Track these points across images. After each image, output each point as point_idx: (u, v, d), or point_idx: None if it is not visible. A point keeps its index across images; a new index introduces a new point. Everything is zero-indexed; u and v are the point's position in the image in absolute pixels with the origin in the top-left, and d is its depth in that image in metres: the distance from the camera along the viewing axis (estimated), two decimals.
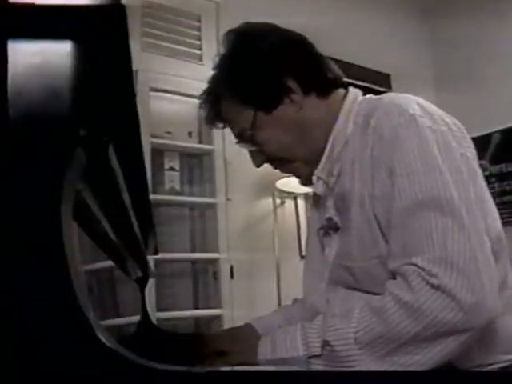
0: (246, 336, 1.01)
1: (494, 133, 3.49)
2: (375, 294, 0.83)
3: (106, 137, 0.57)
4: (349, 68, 2.97)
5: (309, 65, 0.98)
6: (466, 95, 3.42)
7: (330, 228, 0.97)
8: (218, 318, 2.54)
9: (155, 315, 2.17)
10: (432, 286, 0.73)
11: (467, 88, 3.51)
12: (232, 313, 2.48)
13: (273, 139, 0.97)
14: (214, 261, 2.62)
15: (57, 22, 0.49)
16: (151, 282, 1.77)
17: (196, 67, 2.71)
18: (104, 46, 0.50)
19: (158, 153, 2.60)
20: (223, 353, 0.86)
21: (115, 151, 0.61)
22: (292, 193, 2.91)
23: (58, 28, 0.49)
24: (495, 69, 3.47)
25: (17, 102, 0.48)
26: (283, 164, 1.02)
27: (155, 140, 2.53)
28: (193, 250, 2.69)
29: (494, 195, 3.43)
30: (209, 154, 2.73)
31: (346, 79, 1.04)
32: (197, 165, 2.78)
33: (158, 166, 2.60)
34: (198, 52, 2.80)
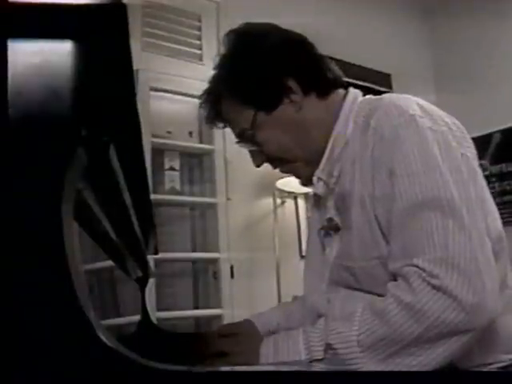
0: (248, 337, 1.01)
1: (495, 133, 3.49)
2: (376, 294, 0.83)
3: (106, 136, 0.57)
4: (349, 68, 2.97)
5: (309, 65, 0.98)
6: (466, 95, 3.42)
7: (331, 228, 0.97)
8: (218, 317, 2.54)
9: (155, 315, 2.17)
10: (433, 287, 0.73)
11: (467, 88, 3.50)
12: (232, 312, 2.48)
13: (273, 139, 0.97)
14: (215, 260, 2.62)
15: (57, 22, 0.49)
16: (151, 282, 1.77)
17: (196, 67, 2.71)
18: (104, 45, 0.50)
19: (159, 152, 2.60)
20: (224, 353, 0.86)
21: (116, 151, 0.61)
22: (292, 192, 2.91)
23: (58, 27, 0.49)
24: (495, 69, 3.47)
25: (17, 102, 0.48)
26: (283, 164, 1.02)
27: (156, 140, 2.53)
28: (193, 250, 2.69)
29: (495, 195, 3.43)
30: (209, 153, 2.73)
31: (346, 79, 1.05)
32: (197, 164, 2.78)
33: (158, 166, 2.60)
34: (199, 52, 2.80)
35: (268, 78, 0.95)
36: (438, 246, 0.75)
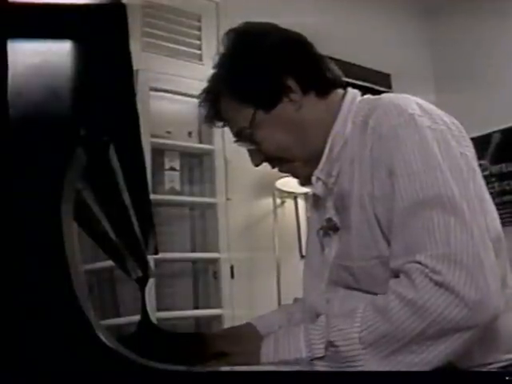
0: (249, 337, 1.01)
1: (494, 132, 3.49)
2: (375, 294, 0.82)
3: (106, 136, 0.57)
4: (349, 68, 2.97)
5: (308, 64, 0.98)
6: (466, 95, 3.42)
7: (330, 228, 0.97)
8: (218, 317, 2.54)
9: (155, 315, 2.17)
10: (436, 283, 0.72)
11: (467, 88, 3.51)
12: (232, 312, 2.48)
13: (271, 138, 0.97)
14: (215, 260, 2.62)
15: (57, 22, 0.49)
16: (151, 282, 1.77)
17: (196, 67, 2.71)
18: (104, 45, 0.50)
19: (159, 152, 2.60)
20: (224, 353, 0.86)
21: (115, 151, 0.61)
22: (292, 192, 2.91)
23: (58, 27, 0.49)
24: (495, 69, 3.47)
25: (17, 102, 0.48)
26: (282, 163, 1.02)
27: (155, 140, 2.53)
28: (193, 250, 2.69)
29: (494, 195, 3.44)
30: (209, 153, 2.73)
31: (346, 79, 1.04)
32: (197, 164, 2.78)
33: (158, 166, 2.60)
34: (198, 52, 2.80)
35: (267, 76, 0.95)
36: (440, 242, 0.75)
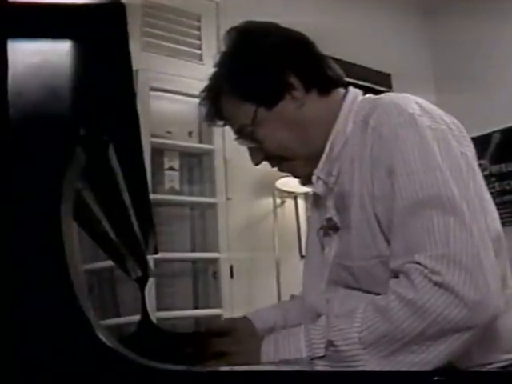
0: (249, 336, 1.01)
1: (494, 132, 3.49)
2: (375, 293, 0.82)
3: (105, 136, 0.57)
4: (349, 68, 2.96)
5: (311, 62, 0.98)
6: (466, 95, 3.42)
7: (330, 228, 0.97)
8: (217, 317, 2.54)
9: (155, 315, 2.17)
10: (435, 284, 0.72)
11: (467, 88, 3.51)
12: (232, 312, 2.48)
13: (273, 136, 0.97)
14: (214, 260, 2.62)
15: (56, 22, 0.49)
16: (151, 282, 1.77)
17: (196, 67, 2.71)
18: (104, 45, 0.50)
19: (158, 152, 2.60)
20: (224, 353, 0.86)
21: (115, 151, 0.61)
22: (292, 192, 2.91)
23: (58, 27, 0.49)
24: (495, 69, 3.47)
25: (17, 102, 0.48)
26: (282, 162, 1.01)
27: (155, 140, 2.53)
28: (193, 250, 2.69)
29: (494, 195, 3.43)
30: (209, 153, 2.73)
31: (346, 79, 1.04)
32: (197, 164, 2.78)
33: (157, 166, 2.60)
34: (198, 52, 2.80)
35: (270, 72, 0.95)
36: (439, 243, 0.75)
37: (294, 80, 0.95)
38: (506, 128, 3.44)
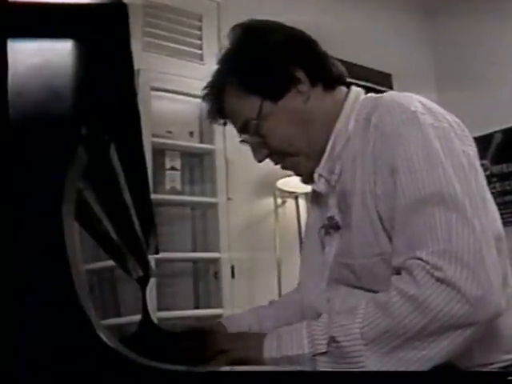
0: (251, 333, 1.01)
1: (496, 132, 3.49)
2: (376, 291, 0.82)
3: (107, 136, 0.57)
4: (350, 68, 2.95)
5: (315, 58, 0.98)
6: (467, 95, 3.42)
7: (332, 227, 0.96)
8: (218, 317, 2.53)
9: (156, 315, 2.17)
10: (437, 280, 0.72)
11: (468, 88, 3.50)
12: (233, 312, 2.48)
13: (278, 130, 0.97)
14: (215, 260, 2.62)
15: (57, 22, 0.49)
16: (152, 282, 1.77)
17: (197, 67, 2.71)
18: (105, 45, 0.50)
19: (159, 152, 2.60)
20: (226, 351, 0.85)
21: (116, 151, 0.61)
22: (293, 192, 2.90)
23: (59, 27, 0.49)
24: (496, 68, 3.47)
25: (17, 102, 0.48)
26: (285, 158, 1.01)
27: (156, 139, 2.53)
28: (194, 250, 2.70)
29: (495, 195, 3.43)
30: (210, 153, 2.73)
31: (347, 79, 1.05)
32: (198, 164, 2.78)
33: (159, 166, 2.60)
34: (199, 52, 2.81)
35: (276, 65, 0.95)
36: (441, 239, 0.74)
37: (299, 73, 0.96)
38: (507, 128, 3.44)
